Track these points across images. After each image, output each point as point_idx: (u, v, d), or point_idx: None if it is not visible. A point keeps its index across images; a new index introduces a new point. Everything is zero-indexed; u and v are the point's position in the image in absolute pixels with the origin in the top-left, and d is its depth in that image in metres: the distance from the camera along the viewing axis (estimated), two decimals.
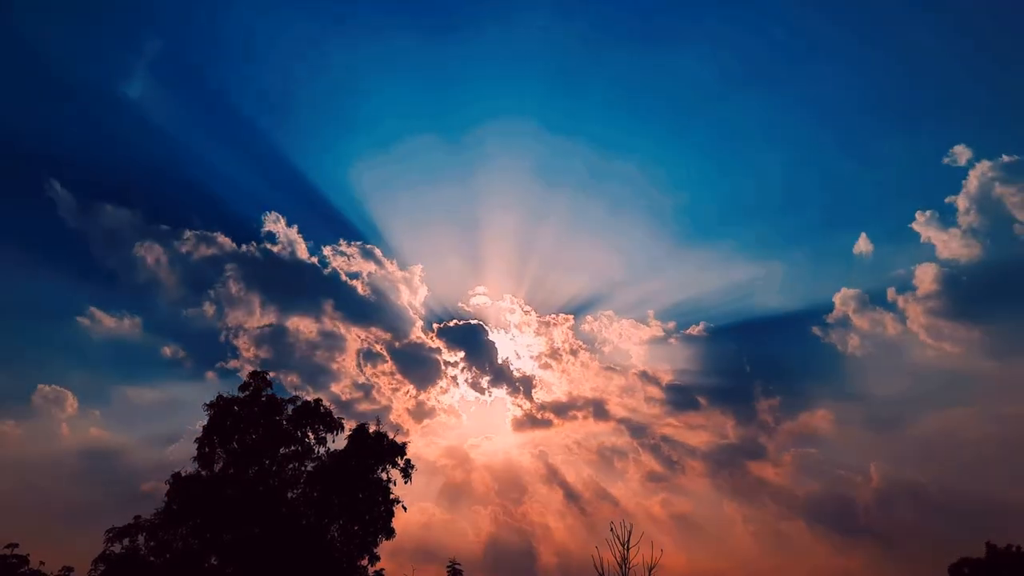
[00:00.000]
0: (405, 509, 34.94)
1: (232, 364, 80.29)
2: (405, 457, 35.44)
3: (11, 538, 34.74)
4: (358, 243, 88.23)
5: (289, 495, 34.25)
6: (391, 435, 36.02)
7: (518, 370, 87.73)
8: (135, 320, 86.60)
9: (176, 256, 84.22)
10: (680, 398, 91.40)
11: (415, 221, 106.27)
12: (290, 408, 35.73)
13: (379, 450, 35.05)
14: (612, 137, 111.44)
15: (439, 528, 73.17)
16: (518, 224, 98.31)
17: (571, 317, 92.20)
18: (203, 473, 33.65)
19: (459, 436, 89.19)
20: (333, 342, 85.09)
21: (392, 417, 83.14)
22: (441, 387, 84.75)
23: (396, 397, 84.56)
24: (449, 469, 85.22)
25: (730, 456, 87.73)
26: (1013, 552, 47.55)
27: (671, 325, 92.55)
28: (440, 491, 79.38)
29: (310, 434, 35.43)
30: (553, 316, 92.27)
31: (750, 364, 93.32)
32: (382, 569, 34.16)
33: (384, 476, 35.15)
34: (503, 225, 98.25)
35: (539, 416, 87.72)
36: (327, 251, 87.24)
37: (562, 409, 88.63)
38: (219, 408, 34.70)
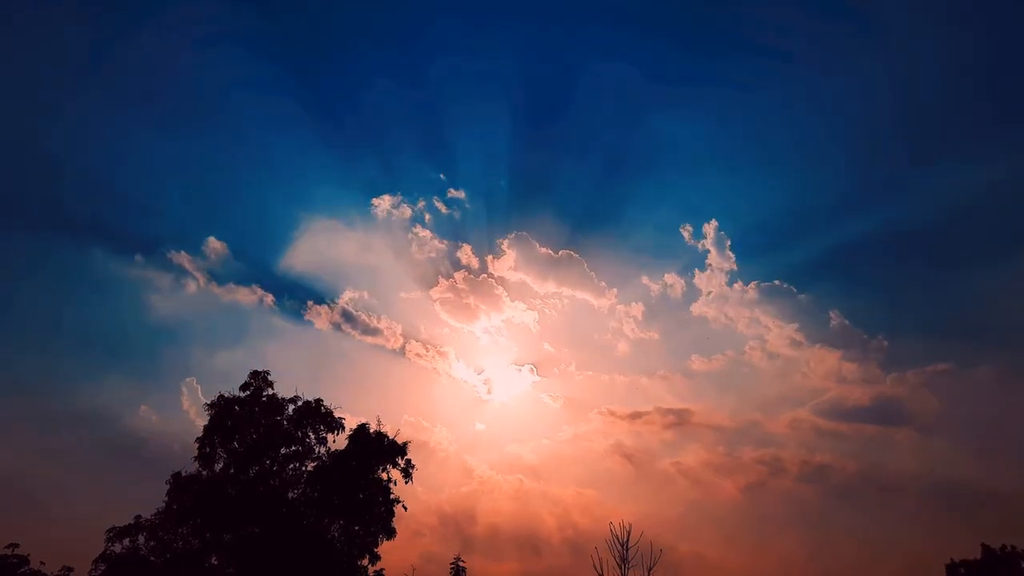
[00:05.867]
0: (406, 509, 35.08)
1: None
2: (406, 457, 35.55)
3: None
4: None
5: (290, 495, 34.30)
6: (391, 435, 36.19)
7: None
8: None
9: None
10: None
11: None
12: (291, 408, 35.84)
13: (379, 450, 35.15)
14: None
15: None
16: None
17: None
18: (204, 473, 33.71)
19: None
20: None
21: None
22: None
23: None
24: None
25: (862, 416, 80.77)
26: (1008, 552, 47.79)
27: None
28: None
29: (311, 434, 35.52)
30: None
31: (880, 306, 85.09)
32: (382, 569, 34.28)
33: (384, 476, 35.26)
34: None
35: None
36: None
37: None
38: (220, 408, 34.78)
